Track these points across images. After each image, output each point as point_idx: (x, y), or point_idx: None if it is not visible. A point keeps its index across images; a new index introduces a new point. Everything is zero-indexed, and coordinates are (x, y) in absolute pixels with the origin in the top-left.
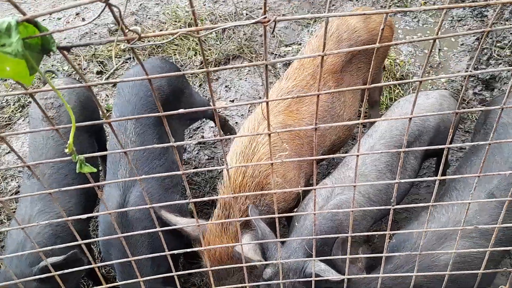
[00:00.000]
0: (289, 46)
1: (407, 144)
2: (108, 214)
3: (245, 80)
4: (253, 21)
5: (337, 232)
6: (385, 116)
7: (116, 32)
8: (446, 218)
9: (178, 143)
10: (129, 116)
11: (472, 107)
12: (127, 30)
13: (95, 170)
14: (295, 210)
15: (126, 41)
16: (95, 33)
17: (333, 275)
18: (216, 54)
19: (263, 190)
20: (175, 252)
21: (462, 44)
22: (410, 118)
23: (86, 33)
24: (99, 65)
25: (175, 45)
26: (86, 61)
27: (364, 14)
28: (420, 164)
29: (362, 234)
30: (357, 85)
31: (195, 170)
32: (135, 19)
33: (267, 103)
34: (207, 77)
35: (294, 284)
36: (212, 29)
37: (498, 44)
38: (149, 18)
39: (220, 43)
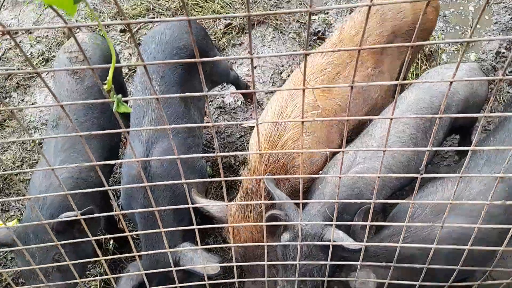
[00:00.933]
0: (316, 14)
1: (435, 118)
2: (132, 167)
3: (269, 47)
4: None
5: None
6: (413, 88)
7: None
8: (449, 194)
9: (211, 92)
10: (161, 63)
11: (501, 89)
12: None
13: (130, 110)
14: (320, 172)
15: None
16: None
17: (350, 243)
18: (241, 19)
19: (288, 173)
20: (198, 205)
21: (496, 23)
22: (451, 82)
23: None
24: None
25: (200, 7)
26: (110, 18)
27: None
28: (444, 138)
29: (385, 201)
30: (396, 69)
31: (225, 123)
32: None
33: (306, 55)
34: (248, 22)
35: (311, 249)
36: None
37: None
38: None
39: (246, 7)
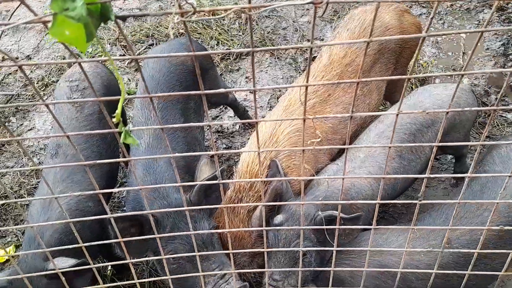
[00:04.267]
0: None
1: (420, 133)
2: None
3: (266, 72)
4: (306, 1)
5: (347, 208)
6: (398, 105)
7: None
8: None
9: (215, 122)
10: (166, 95)
11: (494, 112)
12: (183, 3)
13: (137, 142)
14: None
15: (180, 15)
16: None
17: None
18: (238, 44)
19: None
20: (201, 231)
21: (487, 49)
22: (447, 112)
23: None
24: (122, 49)
25: (198, 33)
26: (109, 44)
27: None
28: (431, 154)
29: (391, 202)
30: (383, 85)
31: (227, 151)
32: (160, 5)
33: (306, 87)
34: (252, 58)
35: (304, 230)
36: (264, 7)
37: None
38: (173, 5)
39: (243, 34)
